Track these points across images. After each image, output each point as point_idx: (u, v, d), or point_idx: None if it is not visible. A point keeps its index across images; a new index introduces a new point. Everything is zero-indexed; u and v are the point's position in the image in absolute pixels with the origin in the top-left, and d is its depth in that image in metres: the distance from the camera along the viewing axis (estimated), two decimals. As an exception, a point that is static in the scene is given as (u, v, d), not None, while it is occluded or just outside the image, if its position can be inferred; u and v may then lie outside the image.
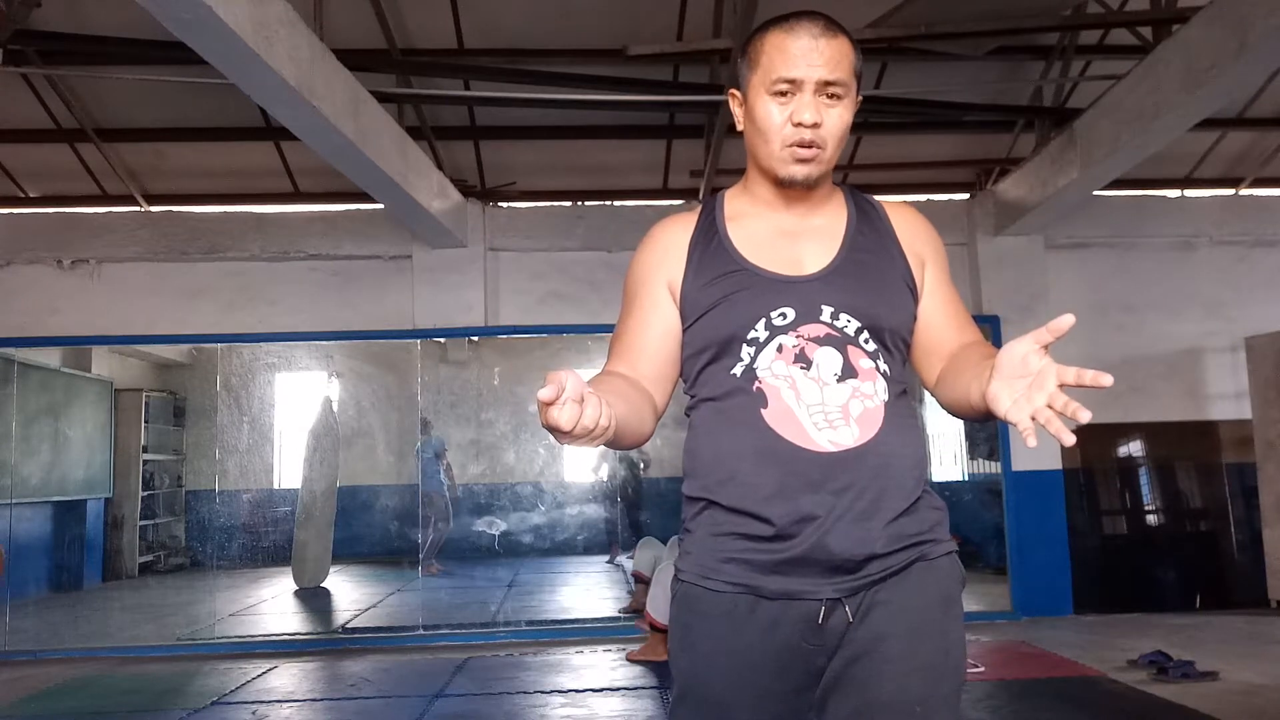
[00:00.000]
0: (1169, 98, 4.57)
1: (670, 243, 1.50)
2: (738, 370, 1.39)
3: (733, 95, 1.50)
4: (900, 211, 1.53)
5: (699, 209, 1.54)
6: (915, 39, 5.14)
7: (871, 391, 1.37)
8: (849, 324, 1.39)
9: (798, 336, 1.38)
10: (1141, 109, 4.82)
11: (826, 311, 1.39)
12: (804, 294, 1.40)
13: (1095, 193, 6.21)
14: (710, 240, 1.47)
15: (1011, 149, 6.91)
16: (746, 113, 1.45)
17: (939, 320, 1.48)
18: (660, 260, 1.49)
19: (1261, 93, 6.40)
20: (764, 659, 1.35)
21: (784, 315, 1.38)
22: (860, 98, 1.46)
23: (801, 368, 1.36)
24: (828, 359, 1.37)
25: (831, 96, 1.38)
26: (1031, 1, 4.91)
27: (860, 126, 6.73)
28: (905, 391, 1.43)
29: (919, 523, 1.38)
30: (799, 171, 1.40)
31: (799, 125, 1.37)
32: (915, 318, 1.47)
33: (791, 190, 1.45)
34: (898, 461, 1.36)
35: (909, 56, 5.94)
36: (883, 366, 1.40)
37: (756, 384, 1.37)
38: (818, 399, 1.35)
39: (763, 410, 1.36)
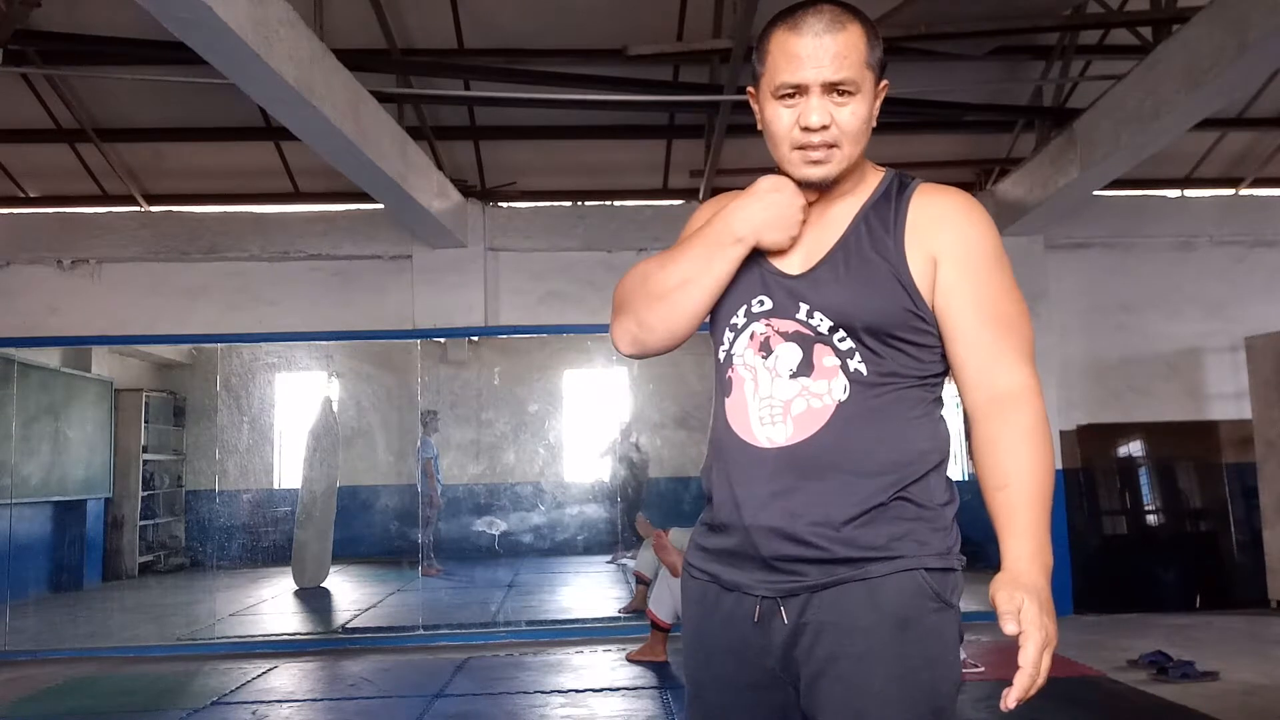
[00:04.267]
0: (1169, 98, 4.57)
1: None
2: (721, 355, 1.44)
3: (750, 94, 1.46)
4: (927, 199, 1.39)
5: None
6: (915, 39, 5.14)
7: (823, 390, 1.33)
8: (821, 322, 1.35)
9: (767, 325, 1.38)
10: (1141, 109, 4.81)
11: (803, 309, 1.36)
12: (787, 288, 1.39)
13: (1095, 193, 6.21)
14: None
15: (1011, 149, 6.91)
16: (759, 114, 1.42)
17: (953, 333, 1.36)
18: None
19: (1261, 93, 6.40)
20: (723, 648, 1.39)
21: (762, 302, 1.40)
22: (884, 82, 1.39)
23: (763, 357, 1.37)
24: (788, 353, 1.36)
25: (841, 94, 1.32)
26: (1031, 1, 4.91)
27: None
28: (897, 389, 1.35)
29: (876, 534, 1.31)
30: (813, 173, 1.37)
31: (806, 129, 1.33)
32: (920, 313, 1.35)
33: (809, 188, 1.41)
34: (841, 466, 1.31)
35: (909, 56, 5.92)
36: (854, 365, 1.34)
37: (729, 371, 1.41)
38: (769, 393, 1.36)
39: (726, 400, 1.40)
